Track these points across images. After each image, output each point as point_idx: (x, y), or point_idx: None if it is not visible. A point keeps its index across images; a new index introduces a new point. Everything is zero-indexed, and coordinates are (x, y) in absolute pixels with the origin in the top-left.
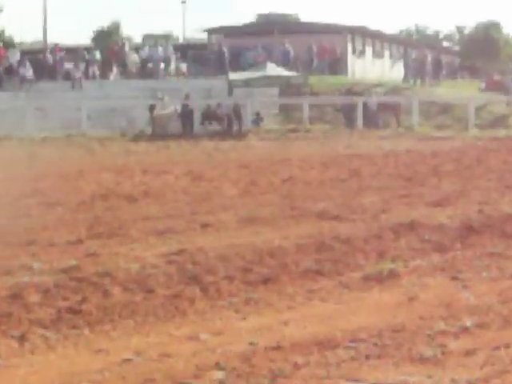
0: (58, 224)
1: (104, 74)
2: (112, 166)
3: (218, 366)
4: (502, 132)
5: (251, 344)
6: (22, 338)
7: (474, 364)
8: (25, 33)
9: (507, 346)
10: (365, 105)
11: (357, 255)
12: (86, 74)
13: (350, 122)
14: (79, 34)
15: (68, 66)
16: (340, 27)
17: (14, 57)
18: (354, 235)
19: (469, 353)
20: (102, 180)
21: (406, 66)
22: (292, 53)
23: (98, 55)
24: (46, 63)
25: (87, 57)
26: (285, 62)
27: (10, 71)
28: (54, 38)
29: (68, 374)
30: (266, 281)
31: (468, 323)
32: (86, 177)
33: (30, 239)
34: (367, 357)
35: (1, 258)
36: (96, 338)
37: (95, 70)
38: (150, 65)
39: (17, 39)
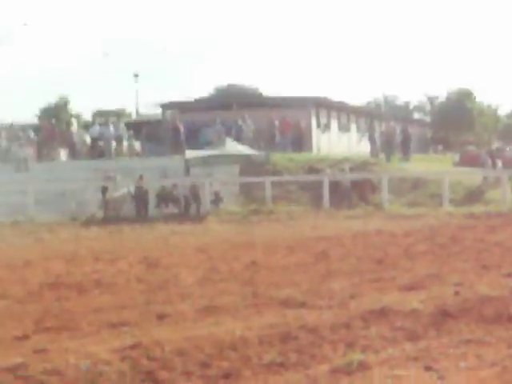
0: (3, 318)
1: (49, 155)
2: (61, 253)
3: None
4: (478, 208)
5: None
6: None
7: None
8: None
9: None
10: (337, 182)
11: (324, 346)
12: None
13: (318, 201)
14: (27, 111)
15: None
16: (303, 100)
17: None
18: (321, 324)
19: None
20: (51, 269)
21: (371, 140)
22: (252, 128)
23: (33, 134)
24: None
25: (23, 136)
26: (240, 138)
27: None
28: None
29: None
30: (226, 376)
31: None
32: (33, 266)
33: None
34: None
35: None
36: None
37: (31, 150)
38: (100, 144)
39: None
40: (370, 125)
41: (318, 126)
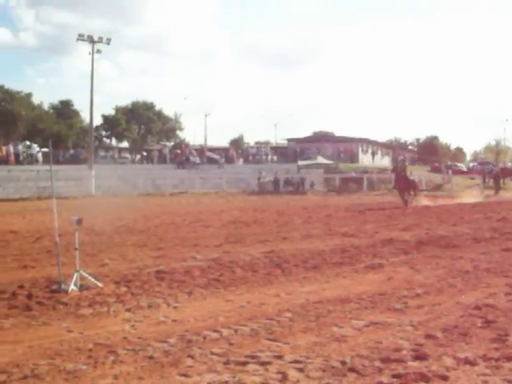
0: (209, 236)
1: (233, 161)
2: (238, 207)
3: (289, 311)
4: (440, 193)
5: (306, 299)
6: (189, 293)
7: (422, 313)
8: (195, 137)
9: (439, 304)
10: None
11: (362, 255)
12: (226, 161)
13: (359, 186)
14: (224, 140)
15: (216, 156)
16: (355, 139)
17: (189, 151)
18: (361, 245)
19: (419, 307)
20: (232, 214)
21: (393, 159)
22: (330, 151)
23: (230, 151)
24: (204, 155)
25: (222, 153)
26: (324, 155)
27: (187, 159)
28: (210, 142)
29: (212, 312)
30: (315, 267)
31: (419, 291)
32: (224, 212)
33: (195, 243)
34: (366, 307)
35: (180, 252)
36: (227, 293)
37: (223, 159)
38: (257, 157)
39: (191, 142)
40: (392, 152)
41: (362, 151)
